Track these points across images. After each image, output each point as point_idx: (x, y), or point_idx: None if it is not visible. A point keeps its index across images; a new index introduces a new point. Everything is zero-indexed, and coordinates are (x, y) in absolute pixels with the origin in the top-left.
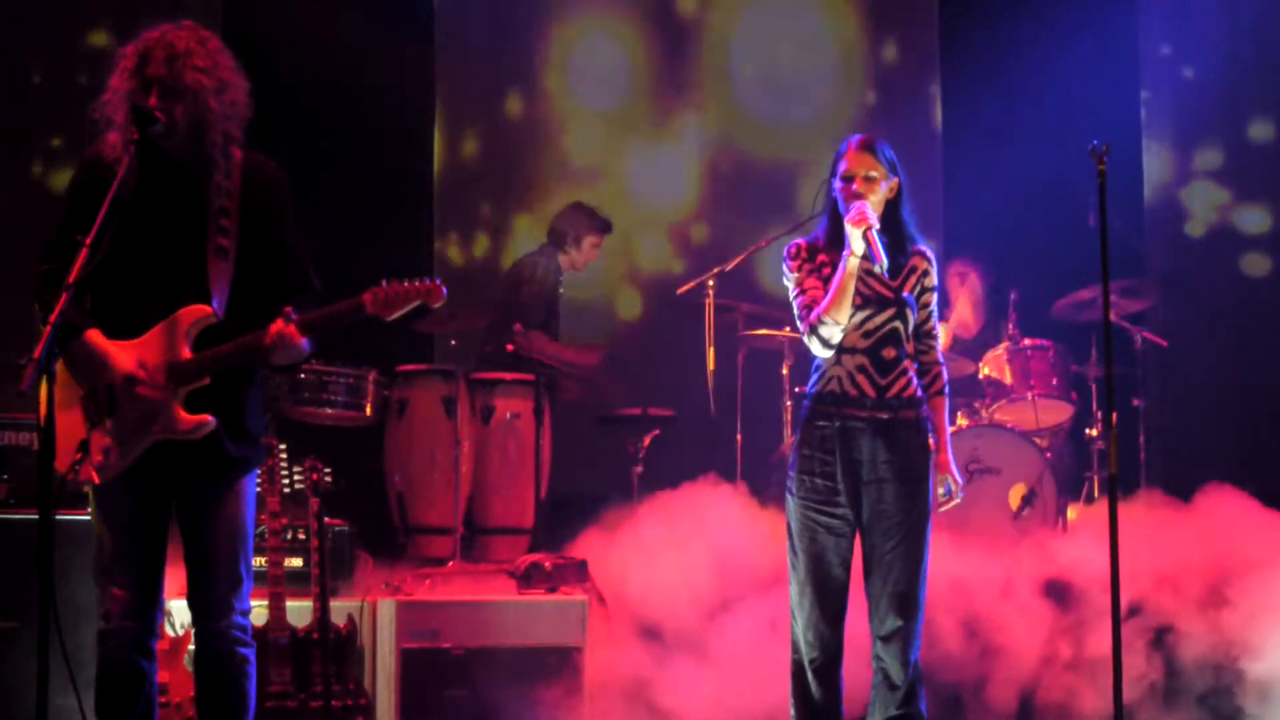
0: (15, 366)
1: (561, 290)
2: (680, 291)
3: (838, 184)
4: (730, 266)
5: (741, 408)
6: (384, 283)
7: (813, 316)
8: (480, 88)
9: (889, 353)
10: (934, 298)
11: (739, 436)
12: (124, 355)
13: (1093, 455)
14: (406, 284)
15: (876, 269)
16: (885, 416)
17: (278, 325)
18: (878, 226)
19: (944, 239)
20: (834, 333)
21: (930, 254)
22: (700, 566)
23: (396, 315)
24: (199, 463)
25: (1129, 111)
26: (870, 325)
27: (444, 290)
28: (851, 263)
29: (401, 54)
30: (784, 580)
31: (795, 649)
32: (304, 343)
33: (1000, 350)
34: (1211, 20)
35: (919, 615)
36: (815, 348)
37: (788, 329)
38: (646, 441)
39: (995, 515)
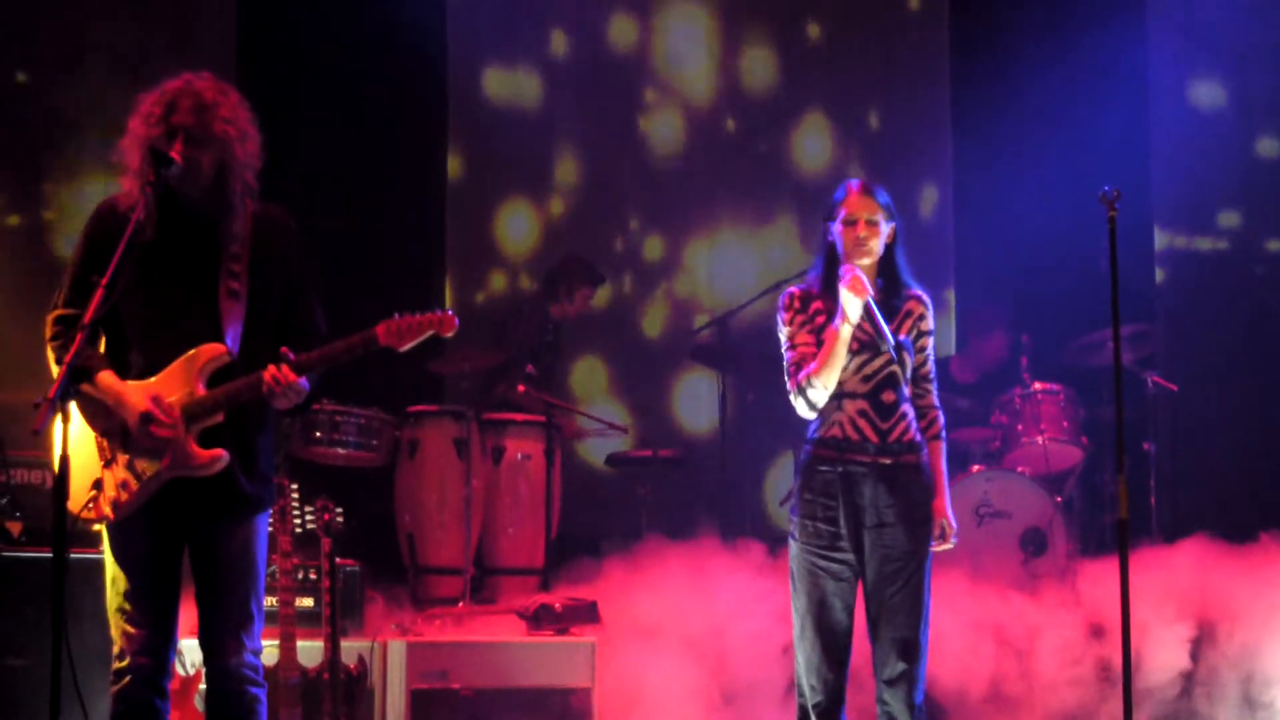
0: (30, 406)
1: (551, 339)
2: (693, 333)
3: (838, 227)
4: (741, 309)
5: (752, 450)
6: (396, 315)
7: (801, 376)
8: (492, 127)
9: (888, 397)
10: (930, 341)
11: (747, 478)
12: (137, 393)
13: (1104, 499)
14: (419, 315)
15: (884, 348)
16: (887, 461)
17: (270, 370)
18: (874, 294)
19: (956, 284)
20: (820, 397)
21: (925, 298)
22: (708, 609)
23: (409, 346)
24: (212, 499)
25: (1140, 156)
26: (869, 369)
27: (456, 320)
28: (844, 330)
29: (414, 91)
30: (790, 620)
31: (800, 693)
32: (301, 382)
33: (1011, 394)
34: (1222, 63)
35: (923, 658)
36: (800, 408)
37: None
38: (656, 483)
39: (1006, 559)
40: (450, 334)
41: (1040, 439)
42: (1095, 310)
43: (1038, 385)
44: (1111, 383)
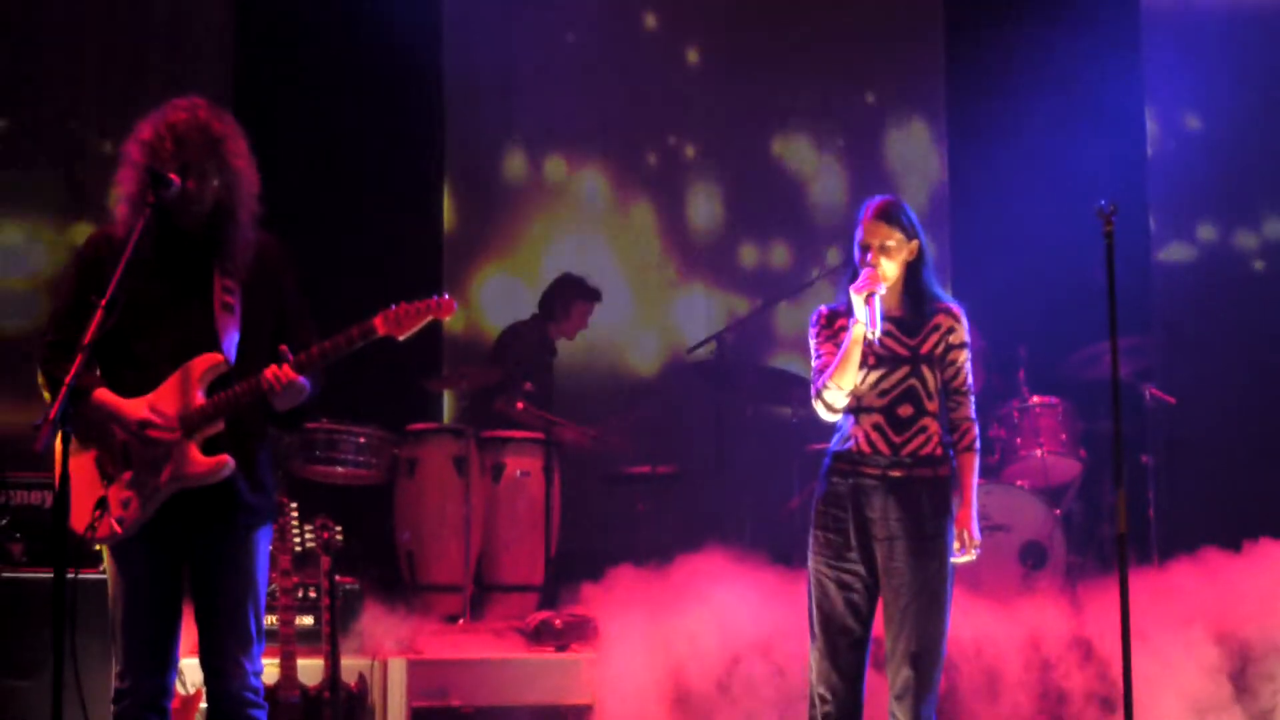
0: (30, 428)
1: (553, 358)
2: (690, 349)
3: (856, 250)
4: (739, 324)
5: (750, 464)
6: (393, 305)
7: (819, 382)
8: (488, 152)
9: (905, 410)
10: (964, 355)
11: (747, 493)
12: (135, 405)
13: (1103, 512)
14: (416, 302)
15: (869, 334)
16: (898, 474)
17: (270, 369)
18: (882, 291)
19: (952, 297)
20: (837, 398)
21: (958, 310)
22: (708, 625)
23: (409, 333)
24: (216, 511)
25: (1136, 169)
26: (886, 384)
27: (454, 304)
28: (856, 330)
29: (410, 118)
30: (792, 636)
31: (811, 704)
32: (303, 381)
33: (1009, 407)
34: (1215, 80)
35: (933, 673)
36: (820, 412)
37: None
38: (655, 499)
39: (1005, 573)
40: (449, 318)
41: (1039, 452)
42: (1093, 323)
43: (1035, 398)
44: (1109, 395)
